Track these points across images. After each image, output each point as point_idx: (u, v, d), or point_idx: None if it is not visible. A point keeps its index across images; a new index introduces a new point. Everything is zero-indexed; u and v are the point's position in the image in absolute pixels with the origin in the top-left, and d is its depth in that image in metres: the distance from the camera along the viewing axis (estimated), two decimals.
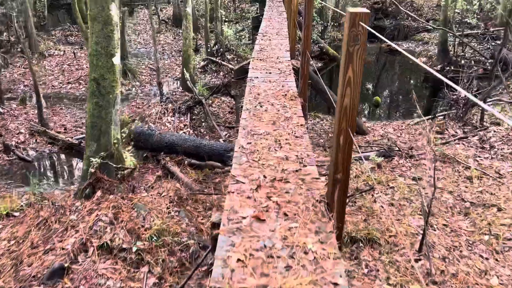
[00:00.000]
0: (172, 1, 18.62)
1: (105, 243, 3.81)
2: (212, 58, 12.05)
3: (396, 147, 6.80)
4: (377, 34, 2.39)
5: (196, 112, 7.97)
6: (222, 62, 12.01)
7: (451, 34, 12.34)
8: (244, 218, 2.63)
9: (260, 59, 7.25)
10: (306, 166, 3.42)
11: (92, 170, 4.46)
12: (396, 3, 17.75)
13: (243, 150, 3.77)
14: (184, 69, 9.06)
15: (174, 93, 8.59)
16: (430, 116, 8.56)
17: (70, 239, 3.81)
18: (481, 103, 1.24)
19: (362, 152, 6.89)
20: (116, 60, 4.56)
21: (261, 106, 4.96)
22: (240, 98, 7.17)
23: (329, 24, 16.56)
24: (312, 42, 14.39)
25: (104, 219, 4.03)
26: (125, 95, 10.55)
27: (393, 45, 2.30)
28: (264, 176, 3.19)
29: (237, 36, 15.87)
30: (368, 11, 2.28)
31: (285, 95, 5.38)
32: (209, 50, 12.18)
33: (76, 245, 3.72)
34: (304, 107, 5.40)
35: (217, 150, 6.48)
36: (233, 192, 2.96)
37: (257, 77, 6.22)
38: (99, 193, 4.43)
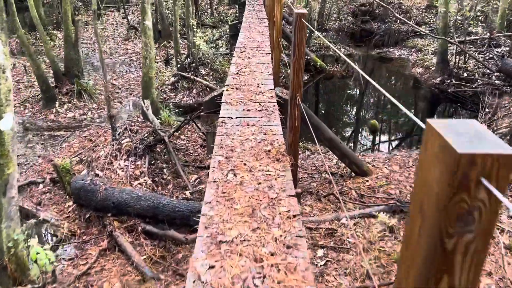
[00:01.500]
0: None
1: None
2: (183, 73, 10.46)
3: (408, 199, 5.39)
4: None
5: (158, 150, 6.42)
6: (195, 78, 10.44)
7: (451, 43, 11.07)
8: None
9: (237, 88, 5.74)
10: None
11: None
12: (384, 4, 16.52)
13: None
14: (144, 96, 7.45)
15: (133, 124, 7.04)
16: None
17: None
18: None
19: (367, 206, 5.46)
20: (7, 123, 2.95)
21: (234, 175, 3.46)
22: (212, 139, 5.64)
23: (314, 29, 15.12)
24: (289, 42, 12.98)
25: None
26: (78, 121, 8.88)
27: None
28: None
29: (214, 45, 14.30)
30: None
31: (269, 150, 3.89)
32: (179, 64, 10.58)
33: None
34: (295, 171, 3.91)
35: (181, 211, 4.95)
36: None
37: (231, 118, 4.73)
38: None
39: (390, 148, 8.33)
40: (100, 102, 9.76)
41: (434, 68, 11.87)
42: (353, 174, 6.43)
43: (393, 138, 9.05)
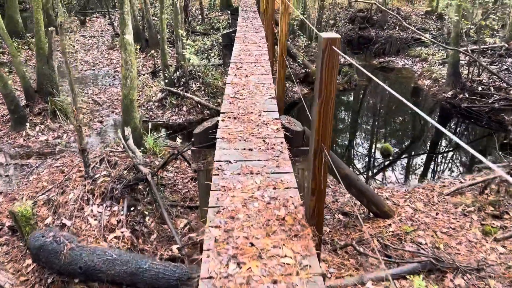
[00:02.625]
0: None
1: None
2: (171, 89, 9.43)
3: (445, 255, 4.39)
4: None
5: (141, 187, 5.38)
6: (185, 93, 9.41)
7: (466, 55, 10.20)
8: None
9: (234, 117, 4.75)
10: None
11: None
12: (386, 9, 15.70)
13: None
14: (125, 121, 6.39)
15: (111, 154, 5.98)
16: (470, 182, 6.20)
17: None
18: None
19: (394, 263, 4.47)
20: None
21: (238, 265, 2.46)
22: (204, 177, 4.62)
23: (313, 38, 14.20)
24: (293, 59, 12.02)
25: None
26: (52, 146, 7.78)
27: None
28: None
29: (205, 55, 13.28)
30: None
31: (283, 218, 2.90)
32: (167, 79, 9.55)
33: None
34: (319, 245, 2.91)
35: (166, 278, 3.91)
36: None
37: (230, 162, 3.73)
38: None
39: (408, 176, 7.37)
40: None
41: (444, 80, 10.98)
42: (371, 214, 5.47)
43: (407, 161, 8.10)
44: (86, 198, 4.91)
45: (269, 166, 3.66)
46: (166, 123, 9.06)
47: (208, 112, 9.49)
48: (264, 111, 4.94)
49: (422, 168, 7.67)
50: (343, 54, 2.41)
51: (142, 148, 6.35)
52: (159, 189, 5.58)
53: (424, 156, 8.31)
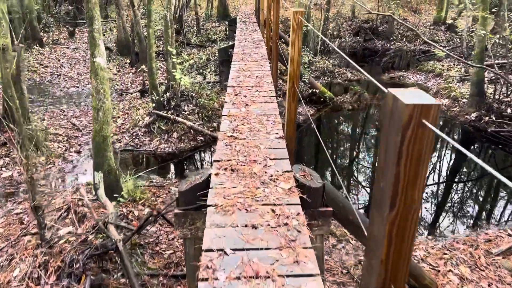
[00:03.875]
0: (116, 23, 14.71)
1: None
2: (160, 113, 8.26)
3: None
4: None
5: (111, 254, 4.20)
6: (176, 118, 8.24)
7: (489, 71, 9.10)
8: None
9: (232, 169, 3.59)
10: None
11: None
12: (396, 18, 14.68)
13: None
14: (97, 164, 5.18)
15: (80, 204, 4.81)
16: None
17: None
18: None
19: None
20: None
21: None
22: (191, 246, 3.45)
23: (318, 51, 13.11)
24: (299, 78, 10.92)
25: None
26: (15, 185, 6.57)
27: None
28: None
29: (201, 71, 12.16)
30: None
31: None
32: (156, 102, 8.39)
33: None
34: None
35: None
36: None
37: (225, 253, 2.54)
38: None
39: (438, 221, 6.18)
40: (53, 151, 7.48)
41: (465, 100, 9.85)
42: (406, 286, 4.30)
43: (436, 200, 6.91)
44: (36, 275, 3.70)
45: (283, 260, 2.48)
46: (153, 152, 7.88)
47: (202, 138, 8.32)
48: (271, 158, 3.78)
49: (454, 210, 6.49)
50: (442, 134, 1.23)
51: (120, 194, 5.16)
52: (136, 252, 4.39)
53: (454, 193, 7.14)
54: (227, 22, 17.08)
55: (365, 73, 2.08)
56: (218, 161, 3.76)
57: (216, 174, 3.51)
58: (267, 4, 9.10)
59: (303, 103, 9.62)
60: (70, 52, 15.95)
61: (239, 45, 9.48)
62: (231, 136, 4.34)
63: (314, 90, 10.38)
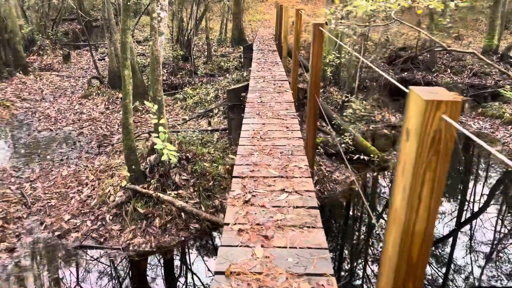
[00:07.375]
0: (108, 50, 12.38)
1: None
2: (138, 188, 5.69)
3: None
4: None
5: None
6: (161, 195, 5.65)
7: None
8: None
9: None
10: None
11: None
12: (445, 46, 12.03)
13: None
14: None
15: None
16: None
17: None
18: None
19: None
20: None
21: None
22: None
23: (354, 90, 10.48)
24: (319, 129, 8.28)
25: None
26: None
27: None
28: None
29: (205, 112, 9.64)
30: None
31: None
32: (134, 171, 5.81)
33: None
34: None
35: None
36: None
37: None
38: None
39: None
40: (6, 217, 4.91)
41: None
42: None
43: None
44: None
45: None
46: (124, 250, 5.26)
47: (197, 226, 5.69)
48: None
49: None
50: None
51: None
52: None
53: None
54: (242, 47, 14.71)
55: None
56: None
57: None
58: (295, 35, 6.54)
59: (349, 166, 6.97)
60: (59, 80, 13.68)
61: (255, 87, 6.93)
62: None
63: (350, 144, 7.72)
